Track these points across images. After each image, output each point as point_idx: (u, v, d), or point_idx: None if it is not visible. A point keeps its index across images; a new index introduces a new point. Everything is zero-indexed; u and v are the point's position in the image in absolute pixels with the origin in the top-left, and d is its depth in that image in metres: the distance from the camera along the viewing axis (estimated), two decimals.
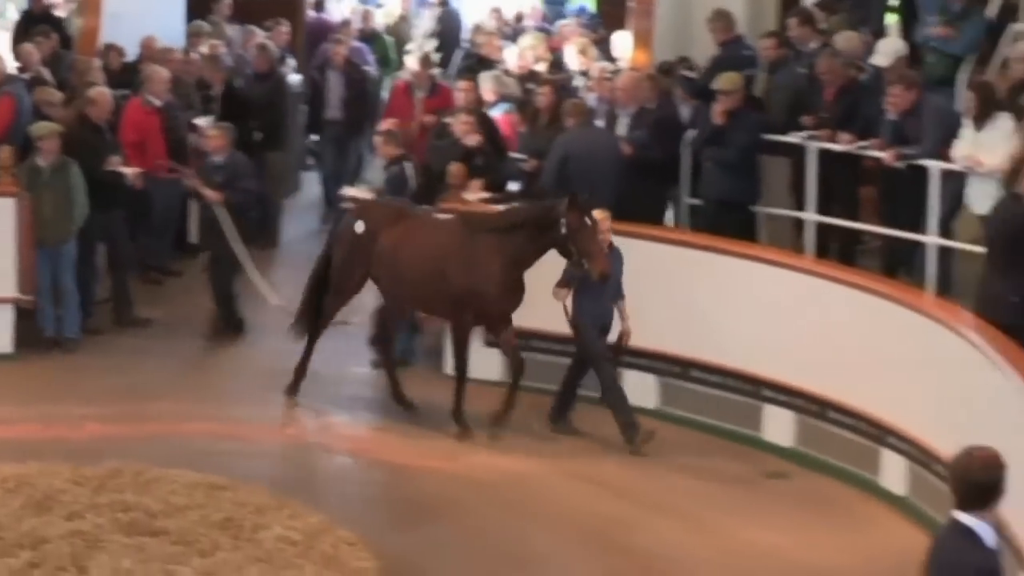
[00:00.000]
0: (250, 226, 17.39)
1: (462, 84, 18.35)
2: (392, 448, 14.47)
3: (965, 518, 7.11)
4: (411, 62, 20.70)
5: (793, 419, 14.26)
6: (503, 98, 18.36)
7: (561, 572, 12.31)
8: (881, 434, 13.56)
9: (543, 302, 14.32)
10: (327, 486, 13.69)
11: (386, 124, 17.28)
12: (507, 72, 19.55)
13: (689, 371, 14.96)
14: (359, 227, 14.99)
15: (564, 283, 14.14)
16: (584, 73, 19.14)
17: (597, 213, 14.01)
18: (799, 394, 14.10)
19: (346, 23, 23.11)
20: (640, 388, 15.15)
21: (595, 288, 14.05)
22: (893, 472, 13.30)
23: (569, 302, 14.26)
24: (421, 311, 15.63)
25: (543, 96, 16.80)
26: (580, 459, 14.19)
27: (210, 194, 16.96)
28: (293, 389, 15.46)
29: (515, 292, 14.39)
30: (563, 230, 13.85)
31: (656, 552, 12.59)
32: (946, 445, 11.82)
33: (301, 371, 15.47)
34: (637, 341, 14.91)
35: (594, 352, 14.37)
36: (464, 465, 14.18)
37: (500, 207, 15.04)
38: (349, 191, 16.85)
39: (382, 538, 12.52)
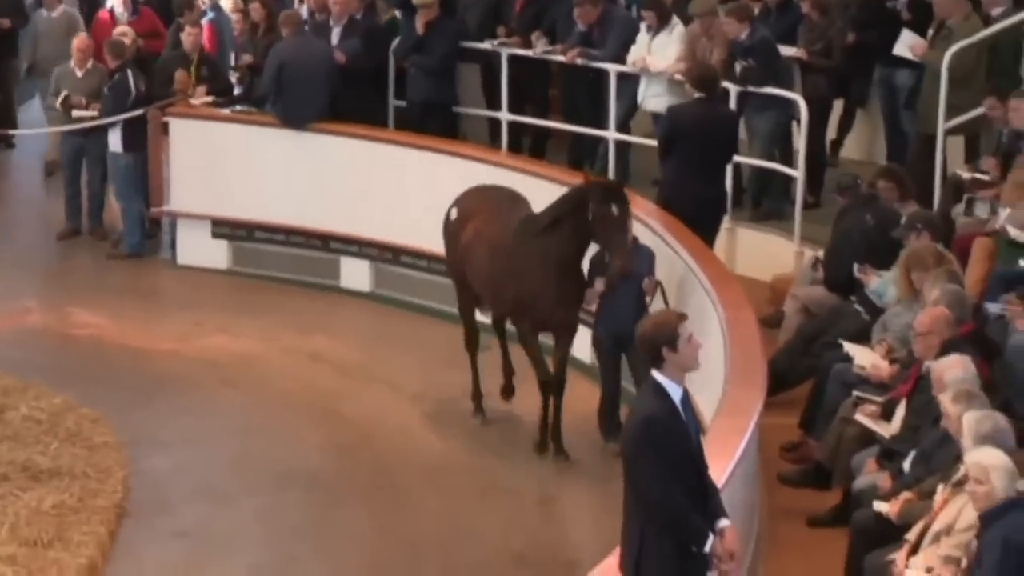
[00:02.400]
0: None
1: None
2: (129, 333, 14.41)
3: (657, 375, 7.36)
4: None
5: None
6: (211, 7, 18.12)
7: (282, 439, 12.46)
8: None
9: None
10: (69, 369, 13.55)
11: (80, 40, 16.64)
12: None
13: (400, 257, 15.06)
14: (452, 213, 12.81)
15: (591, 282, 11.88)
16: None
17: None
18: None
19: None
20: (355, 273, 15.23)
21: (614, 292, 11.77)
22: (584, 341, 13.53)
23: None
24: (494, 312, 12.88)
25: (255, 9, 16.56)
26: (303, 340, 14.27)
27: None
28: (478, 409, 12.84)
29: (570, 298, 11.93)
30: (590, 216, 11.59)
31: (368, 419, 12.83)
32: None
33: (476, 393, 12.89)
34: (354, 230, 15.03)
35: (604, 371, 12.19)
36: (196, 347, 14.18)
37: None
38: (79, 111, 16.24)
39: (121, 414, 12.58)
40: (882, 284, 11.38)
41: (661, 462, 7.21)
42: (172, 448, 12.25)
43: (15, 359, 13.50)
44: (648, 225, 12.60)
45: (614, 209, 11.42)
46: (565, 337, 12.13)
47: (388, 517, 11.36)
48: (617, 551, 7.55)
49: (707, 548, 7.28)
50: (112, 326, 14.55)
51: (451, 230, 12.72)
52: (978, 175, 12.44)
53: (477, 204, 12.65)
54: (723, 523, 7.39)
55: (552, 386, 12.00)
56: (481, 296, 12.66)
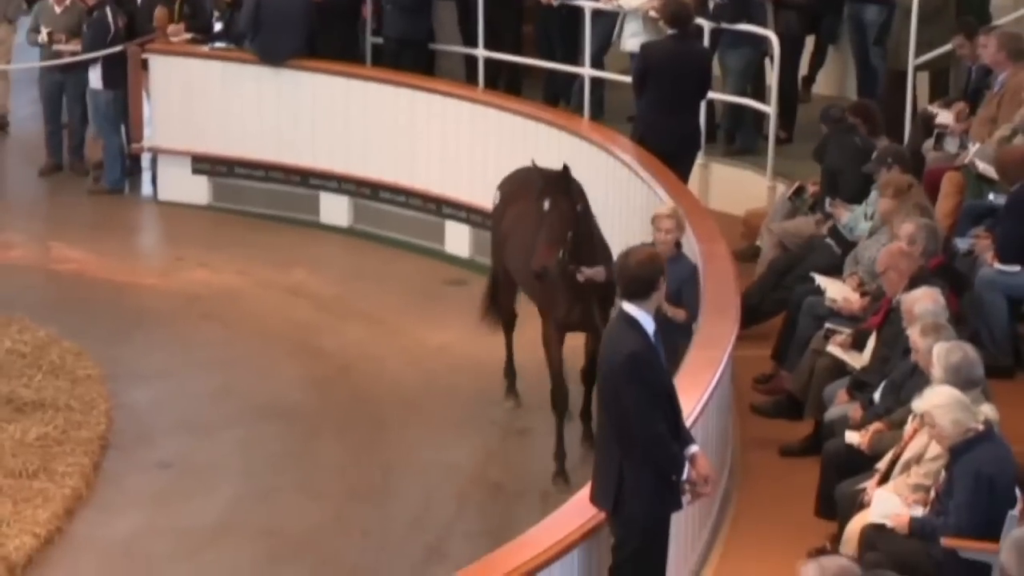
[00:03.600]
0: None
1: None
2: (110, 268, 14.33)
3: (629, 308, 7.29)
4: None
5: (469, 233, 14.40)
6: None
7: (261, 372, 12.42)
8: None
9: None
10: (52, 303, 13.51)
11: None
12: None
13: (378, 192, 14.97)
14: (496, 197, 11.70)
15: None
16: None
17: (662, 209, 10.55)
18: (475, 211, 14.24)
19: None
20: (334, 209, 15.14)
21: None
22: None
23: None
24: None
25: None
26: (282, 275, 14.19)
27: None
28: (510, 390, 11.87)
29: (587, 296, 10.53)
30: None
31: (345, 351, 12.79)
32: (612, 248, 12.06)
33: (508, 370, 11.90)
34: (333, 166, 14.94)
35: None
36: (176, 281, 14.12)
37: None
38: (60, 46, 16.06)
39: (103, 348, 12.54)
40: (853, 218, 11.34)
41: (644, 395, 7.18)
42: (153, 381, 12.21)
43: None
44: (623, 161, 12.54)
45: (545, 205, 10.27)
46: (594, 337, 10.56)
47: (365, 448, 11.34)
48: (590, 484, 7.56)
49: (685, 475, 7.29)
50: (93, 261, 14.46)
51: (494, 215, 11.74)
52: (943, 120, 12.36)
53: (519, 188, 11.37)
54: (693, 449, 7.42)
55: (583, 376, 10.92)
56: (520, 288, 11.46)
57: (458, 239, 14.52)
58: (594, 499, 7.47)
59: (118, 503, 10.64)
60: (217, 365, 12.49)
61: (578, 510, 7.59)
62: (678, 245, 10.45)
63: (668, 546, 7.49)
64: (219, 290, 13.90)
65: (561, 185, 10.33)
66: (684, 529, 8.25)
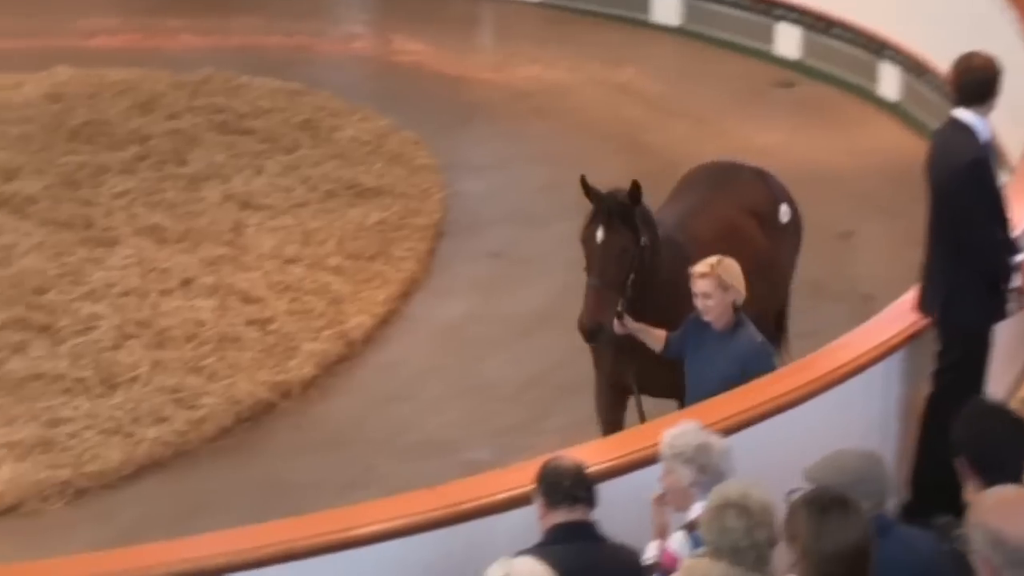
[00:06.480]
0: None
1: None
2: (447, 61, 14.42)
3: (963, 114, 7.03)
4: None
5: (801, 34, 14.05)
6: None
7: (589, 166, 12.14)
8: (879, 47, 13.37)
9: None
10: (393, 94, 13.66)
11: None
12: None
13: None
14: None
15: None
16: None
17: (698, 266, 7.06)
18: (806, 12, 13.88)
19: None
20: (665, 7, 14.92)
21: (692, 365, 7.23)
22: (889, 81, 13.13)
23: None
24: None
25: None
26: (612, 72, 14.08)
27: None
28: None
29: (630, 351, 7.48)
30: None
31: (671, 149, 12.62)
32: (937, 57, 11.69)
33: None
34: None
35: None
36: (509, 76, 14.14)
37: None
38: None
39: (438, 138, 12.66)
40: None
41: (983, 202, 6.98)
42: (485, 172, 12.32)
43: (343, 83, 13.69)
44: None
45: (598, 236, 7.45)
46: (674, 400, 7.54)
47: None
48: (913, 289, 7.36)
49: (1013, 284, 7.07)
50: (431, 54, 14.59)
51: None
52: None
53: (679, 186, 8.89)
54: (1021, 258, 7.18)
55: None
56: None
57: (788, 40, 14.17)
58: (921, 305, 7.28)
59: (449, 288, 10.82)
60: (546, 159, 12.52)
61: (900, 314, 7.43)
62: (735, 311, 7.07)
63: (990, 354, 7.30)
64: (549, 86, 13.89)
65: (623, 210, 7.52)
66: (1008, 340, 8.01)
